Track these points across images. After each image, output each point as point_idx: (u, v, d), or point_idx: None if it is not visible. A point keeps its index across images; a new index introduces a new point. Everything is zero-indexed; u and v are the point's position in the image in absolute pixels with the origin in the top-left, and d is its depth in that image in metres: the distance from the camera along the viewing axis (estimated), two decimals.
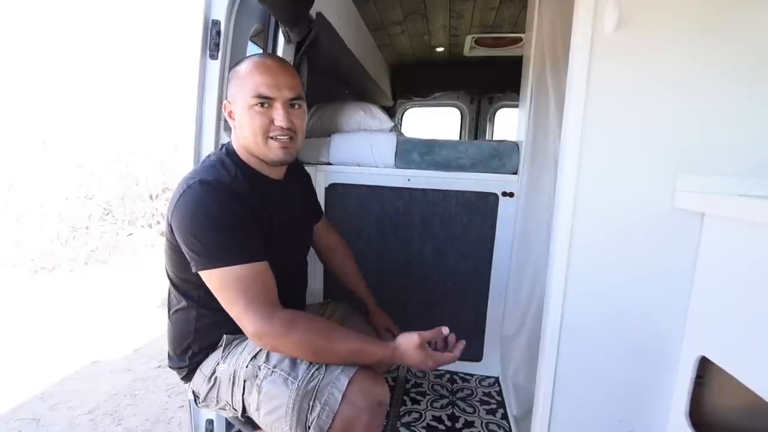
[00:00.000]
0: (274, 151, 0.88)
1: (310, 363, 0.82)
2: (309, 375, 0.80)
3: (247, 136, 0.88)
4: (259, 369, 0.84)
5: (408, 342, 0.84)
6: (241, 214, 0.82)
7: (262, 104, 0.86)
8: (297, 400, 0.78)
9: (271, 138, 0.87)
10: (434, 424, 1.41)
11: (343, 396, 0.77)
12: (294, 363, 0.83)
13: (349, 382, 0.78)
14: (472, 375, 1.71)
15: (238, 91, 0.87)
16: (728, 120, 0.82)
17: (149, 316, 2.62)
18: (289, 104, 0.88)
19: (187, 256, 0.82)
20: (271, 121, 0.86)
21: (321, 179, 1.61)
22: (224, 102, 0.92)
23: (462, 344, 0.88)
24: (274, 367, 0.83)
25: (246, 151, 0.91)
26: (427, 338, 0.84)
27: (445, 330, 0.87)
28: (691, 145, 0.83)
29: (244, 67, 0.88)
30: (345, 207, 1.62)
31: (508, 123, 3.38)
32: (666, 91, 0.83)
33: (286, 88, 0.86)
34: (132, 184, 4.90)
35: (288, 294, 0.85)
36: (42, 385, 1.77)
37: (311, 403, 0.77)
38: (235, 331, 0.89)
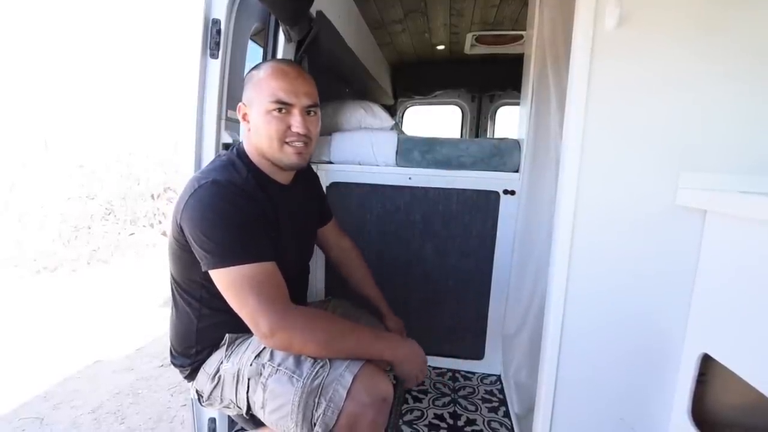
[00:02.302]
0: (288, 156, 0.90)
1: (315, 360, 0.82)
2: (314, 372, 0.80)
3: (262, 140, 0.89)
4: (264, 367, 0.84)
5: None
6: (252, 215, 0.83)
7: (280, 110, 0.87)
8: (302, 397, 0.78)
9: (287, 143, 0.89)
10: (436, 422, 1.41)
11: (348, 393, 0.78)
12: (298, 361, 0.83)
13: (353, 379, 0.79)
14: (473, 373, 1.71)
15: (256, 94, 0.88)
16: (730, 118, 0.82)
17: (151, 316, 2.62)
18: (306, 111, 0.90)
19: (197, 255, 0.82)
20: (288, 127, 0.88)
21: (322, 178, 1.61)
22: (239, 104, 0.92)
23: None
24: (279, 365, 0.83)
25: (258, 154, 0.92)
26: None
27: None
28: (692, 142, 0.83)
29: (263, 71, 0.89)
30: (346, 206, 1.62)
31: (509, 121, 3.37)
32: (668, 88, 0.83)
33: (304, 95, 0.88)
34: (133, 184, 4.91)
35: (290, 296, 0.85)
36: (45, 385, 1.77)
37: (316, 400, 0.78)
38: (238, 330, 0.90)
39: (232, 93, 1.13)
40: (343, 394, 0.78)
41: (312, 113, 0.91)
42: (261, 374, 0.84)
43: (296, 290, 0.95)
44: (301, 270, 1.09)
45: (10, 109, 5.09)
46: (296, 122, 0.88)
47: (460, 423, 1.40)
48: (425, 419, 1.42)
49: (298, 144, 0.89)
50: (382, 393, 0.81)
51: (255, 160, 0.93)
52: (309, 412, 0.78)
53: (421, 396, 1.55)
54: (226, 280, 0.80)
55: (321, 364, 0.82)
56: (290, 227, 0.96)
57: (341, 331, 0.84)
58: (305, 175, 1.09)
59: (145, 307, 2.77)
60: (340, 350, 0.83)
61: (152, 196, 4.90)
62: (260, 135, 0.89)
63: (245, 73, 0.94)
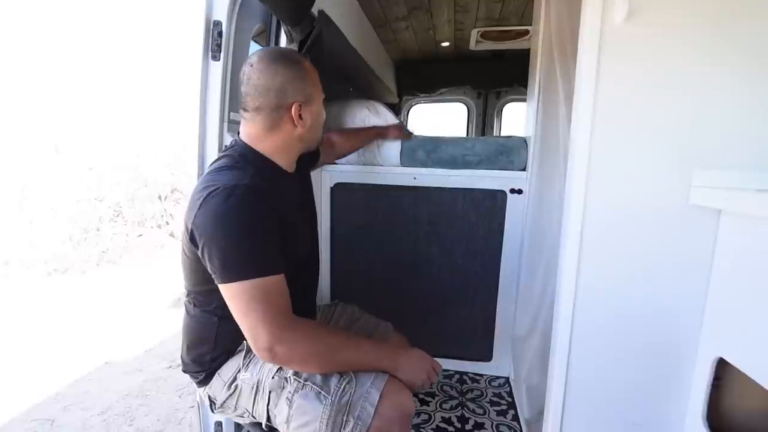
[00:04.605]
0: (320, 134, 1.00)
1: (341, 376, 0.82)
2: (341, 389, 0.80)
3: (316, 132, 0.96)
4: (287, 381, 0.83)
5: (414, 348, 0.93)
6: (263, 217, 0.80)
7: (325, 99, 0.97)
8: (331, 415, 0.78)
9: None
10: (443, 425, 1.39)
11: (375, 410, 0.78)
12: (325, 377, 0.82)
13: (380, 396, 0.79)
14: (481, 375, 1.69)
15: (314, 90, 0.91)
16: (744, 114, 0.79)
17: (160, 317, 2.64)
18: None
19: (209, 269, 0.79)
20: None
21: (326, 178, 1.60)
22: (295, 104, 0.86)
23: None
24: (306, 380, 0.82)
25: (284, 145, 0.91)
26: None
27: None
28: (706, 139, 0.80)
29: (309, 67, 0.91)
30: (351, 206, 1.61)
31: (516, 118, 3.33)
32: (679, 84, 0.80)
33: None
34: (141, 186, 4.95)
35: (300, 291, 0.84)
36: (55, 387, 1.80)
37: (344, 418, 0.78)
38: None
39: (235, 95, 1.12)
40: (371, 411, 0.78)
41: None
42: (284, 388, 0.83)
43: (307, 281, 0.99)
44: (313, 257, 1.07)
45: (23, 114, 5.16)
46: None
47: (468, 427, 1.39)
48: (432, 423, 1.40)
49: None
50: (407, 409, 0.83)
51: (270, 153, 0.90)
52: (338, 429, 0.78)
53: (428, 399, 1.54)
54: (232, 292, 0.77)
55: (347, 379, 0.81)
56: (300, 214, 0.97)
57: (340, 344, 0.83)
58: (301, 161, 1.07)
59: (154, 309, 2.80)
60: (340, 364, 0.82)
61: (160, 198, 4.94)
62: (315, 127, 0.94)
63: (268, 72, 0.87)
